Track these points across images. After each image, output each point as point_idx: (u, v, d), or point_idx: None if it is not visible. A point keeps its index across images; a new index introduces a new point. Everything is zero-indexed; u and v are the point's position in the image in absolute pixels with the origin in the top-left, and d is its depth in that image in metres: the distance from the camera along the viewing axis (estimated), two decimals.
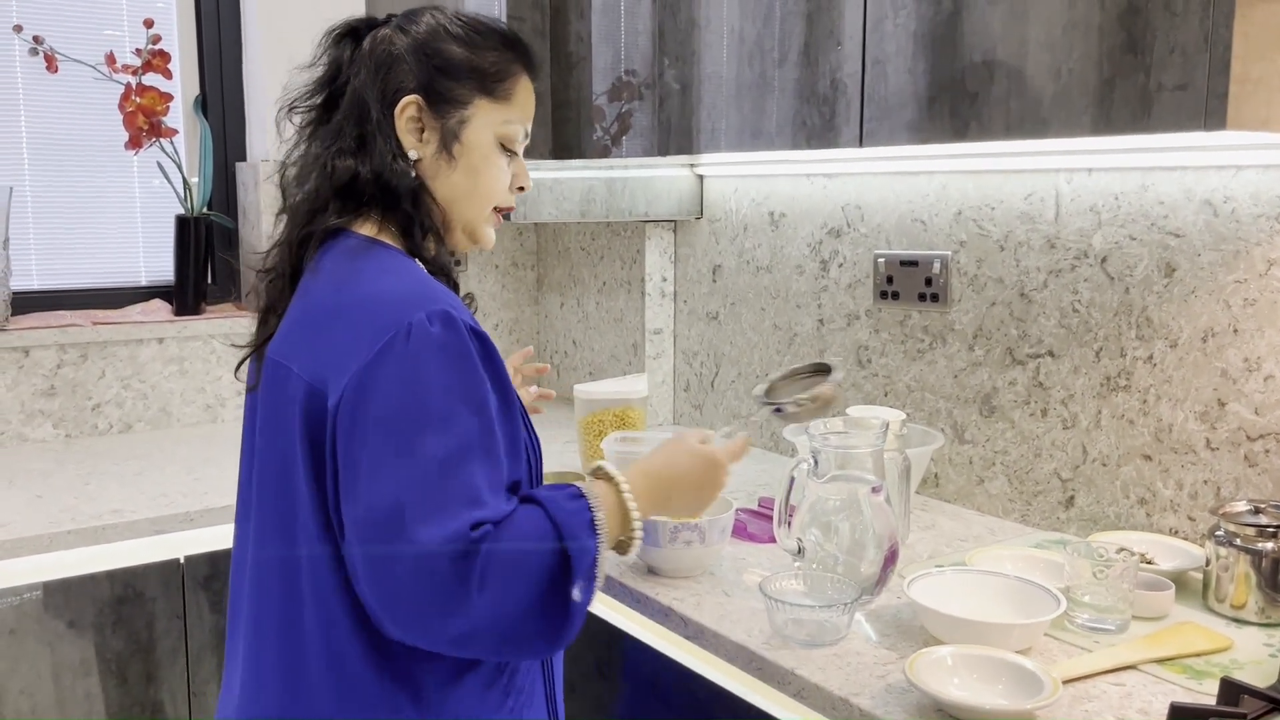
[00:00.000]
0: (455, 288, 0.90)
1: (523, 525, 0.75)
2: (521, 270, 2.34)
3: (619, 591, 1.20)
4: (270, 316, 0.88)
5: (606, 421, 1.54)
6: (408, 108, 0.86)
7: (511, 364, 1.23)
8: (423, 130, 0.86)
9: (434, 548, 0.69)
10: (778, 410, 1.00)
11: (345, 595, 0.75)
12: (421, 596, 0.69)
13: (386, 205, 0.86)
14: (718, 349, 1.89)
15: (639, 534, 0.84)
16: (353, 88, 0.86)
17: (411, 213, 0.85)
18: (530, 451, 0.85)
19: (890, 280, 1.55)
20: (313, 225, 0.85)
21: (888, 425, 1.15)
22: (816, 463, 1.10)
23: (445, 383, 0.74)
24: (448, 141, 0.87)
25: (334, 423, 0.74)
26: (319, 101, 0.88)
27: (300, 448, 0.77)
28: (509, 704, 0.79)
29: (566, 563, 0.75)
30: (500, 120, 0.88)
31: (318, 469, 0.76)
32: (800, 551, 1.11)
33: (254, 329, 0.90)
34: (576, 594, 0.74)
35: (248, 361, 0.90)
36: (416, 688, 0.75)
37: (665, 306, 1.96)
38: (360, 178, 0.85)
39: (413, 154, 0.86)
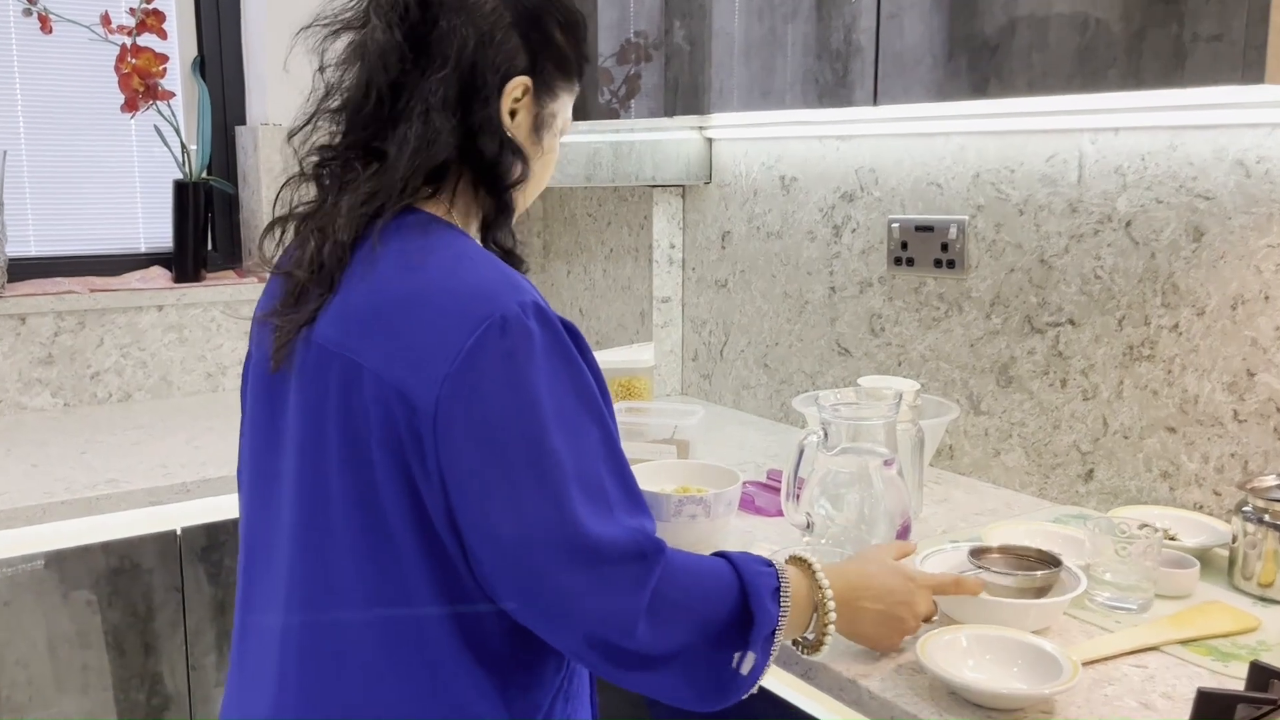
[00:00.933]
0: None
1: (702, 560, 0.72)
2: (527, 237, 2.33)
3: None
4: (312, 292, 0.78)
5: (613, 392, 1.59)
6: (516, 89, 0.80)
7: None
8: (515, 113, 0.80)
9: (616, 546, 0.66)
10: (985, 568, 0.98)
11: (442, 602, 0.71)
12: (596, 606, 0.66)
13: (483, 188, 0.80)
14: (727, 317, 1.87)
15: (831, 630, 0.80)
16: (457, 44, 0.77)
17: (509, 201, 0.81)
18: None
19: (905, 246, 1.52)
20: (401, 195, 0.77)
21: (901, 396, 1.12)
22: (826, 435, 1.08)
23: (555, 388, 0.69)
24: (540, 130, 0.82)
25: (433, 434, 0.69)
26: (398, 38, 0.77)
27: (380, 454, 0.71)
28: (567, 707, 0.77)
29: (746, 620, 0.72)
30: (570, 110, 0.84)
31: (404, 478, 0.71)
32: (809, 526, 1.09)
33: (279, 302, 0.80)
34: (748, 663, 0.71)
35: (283, 346, 0.79)
36: (503, 687, 0.72)
37: (673, 274, 1.94)
38: (466, 151, 0.78)
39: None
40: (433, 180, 0.79)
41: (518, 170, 0.80)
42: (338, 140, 0.80)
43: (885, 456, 1.08)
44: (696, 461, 1.24)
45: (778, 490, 1.35)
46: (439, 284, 0.73)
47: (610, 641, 0.67)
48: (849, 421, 1.07)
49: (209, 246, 2.10)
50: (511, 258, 0.84)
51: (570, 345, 0.73)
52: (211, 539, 1.51)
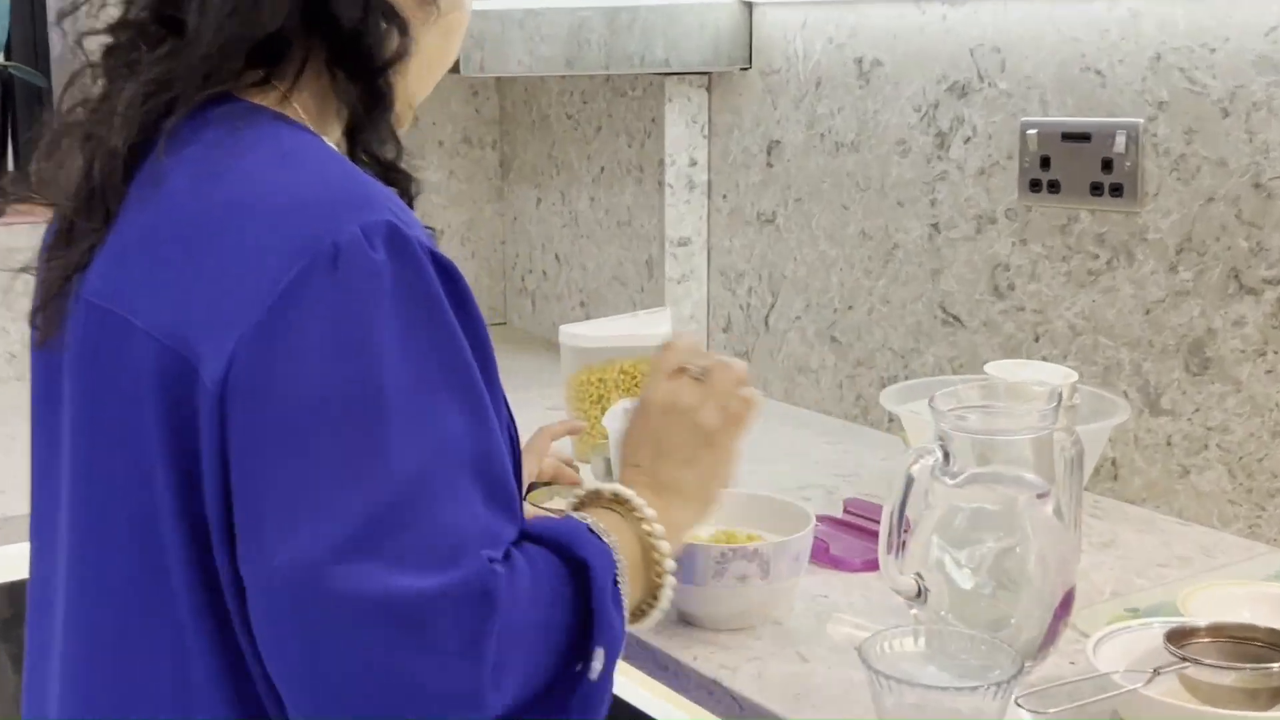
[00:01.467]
0: (410, 203, 0.86)
1: (543, 572, 0.78)
2: (478, 150, 2.37)
3: (634, 651, 1.15)
4: (81, 228, 0.80)
5: (610, 382, 1.51)
6: None
7: (537, 446, 1.32)
8: None
9: (421, 600, 0.69)
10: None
11: (223, 683, 0.75)
12: (416, 684, 0.68)
13: (342, 71, 0.81)
14: (775, 268, 1.89)
15: (667, 593, 0.86)
16: None
17: (382, 88, 0.81)
18: (514, 447, 0.84)
19: (1046, 164, 1.52)
20: (205, 81, 0.77)
21: (1060, 396, 1.05)
22: (946, 455, 1.04)
23: (408, 351, 0.71)
24: None
25: (220, 413, 0.71)
26: None
27: (160, 456, 0.73)
28: None
29: (587, 627, 0.78)
30: None
31: (185, 477, 0.73)
32: (920, 594, 1.05)
33: (46, 246, 0.85)
34: (596, 665, 0.77)
35: (49, 305, 0.83)
36: None
37: (695, 204, 1.96)
38: (313, 15, 0.79)
39: None
40: (264, 60, 0.79)
41: (393, 42, 0.80)
42: (129, 12, 0.81)
43: (1038, 488, 1.03)
44: (742, 491, 1.21)
45: (862, 530, 1.33)
46: (246, 200, 0.74)
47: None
48: (980, 436, 1.03)
49: (8, 162, 2.07)
50: (393, 175, 0.84)
51: (439, 290, 0.73)
52: (16, 606, 1.43)
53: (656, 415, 0.93)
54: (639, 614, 0.88)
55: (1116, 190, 1.46)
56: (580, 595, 0.78)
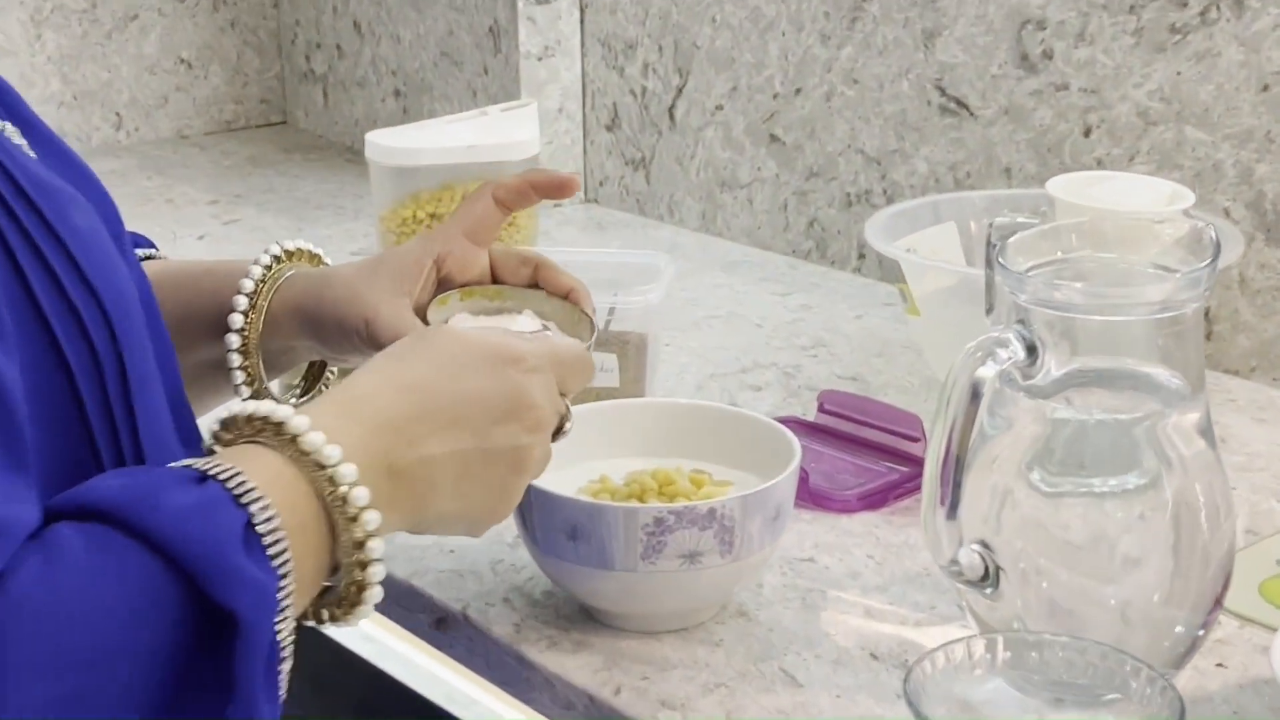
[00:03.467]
0: None
1: (82, 567, 0.69)
2: None
3: (510, 675, 1.01)
4: None
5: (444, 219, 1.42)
6: None
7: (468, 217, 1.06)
8: None
9: None
10: None
11: None
12: None
13: None
14: (683, 33, 1.87)
15: (376, 569, 0.77)
16: None
17: None
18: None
19: None
20: None
21: (1213, 236, 0.93)
22: (1031, 346, 0.91)
23: None
24: None
25: None
26: None
27: None
28: None
29: (211, 636, 0.70)
30: None
31: None
32: (989, 576, 0.93)
33: None
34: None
35: None
36: None
37: None
38: None
39: None
40: None
41: None
42: None
43: (1181, 395, 0.91)
44: (668, 401, 1.16)
45: (854, 443, 1.24)
46: None
47: None
48: (1099, 318, 0.91)
49: None
50: None
51: None
52: None
53: (479, 372, 0.84)
54: (344, 607, 0.78)
55: None
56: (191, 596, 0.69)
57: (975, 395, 0.90)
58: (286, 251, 1.03)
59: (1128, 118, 1.46)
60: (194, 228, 1.83)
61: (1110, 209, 1.16)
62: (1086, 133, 1.48)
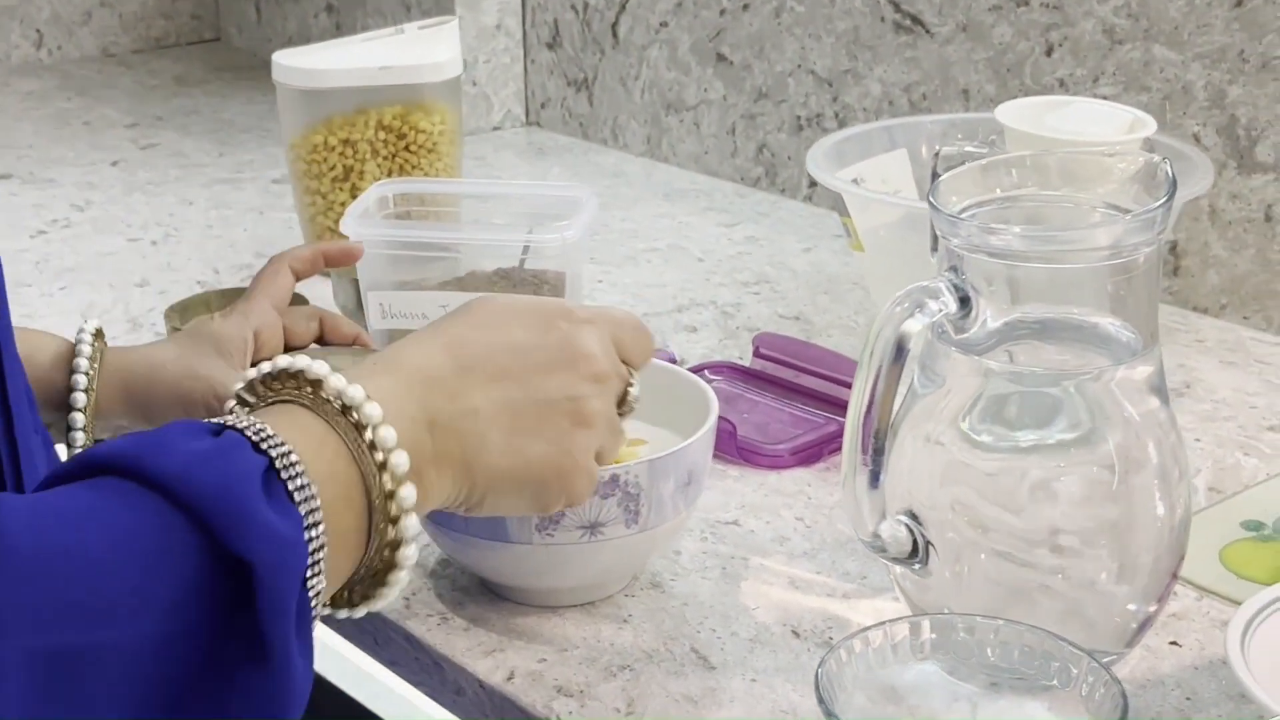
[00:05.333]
0: None
1: (68, 504, 0.67)
2: None
3: (401, 654, 0.96)
4: None
5: (363, 146, 1.45)
6: None
7: (263, 284, 1.16)
8: None
9: None
10: None
11: None
12: None
13: None
14: None
15: (412, 547, 0.74)
16: None
17: None
18: None
19: None
20: None
21: (1168, 171, 0.87)
22: (964, 297, 0.87)
23: None
24: None
25: None
26: None
27: None
28: None
29: (242, 594, 0.66)
30: None
31: None
32: (919, 552, 0.89)
33: None
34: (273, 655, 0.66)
35: None
36: None
37: None
38: None
39: None
40: None
41: None
42: None
43: (1131, 348, 0.87)
44: None
45: (790, 389, 1.20)
46: None
47: None
48: (1041, 265, 0.87)
49: None
50: None
51: None
52: None
53: (525, 325, 0.84)
54: (356, 597, 0.76)
55: None
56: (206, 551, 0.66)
57: (901, 351, 0.85)
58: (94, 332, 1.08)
59: (1092, 35, 1.42)
60: (110, 153, 1.76)
61: (1060, 139, 1.12)
62: (1049, 52, 1.46)
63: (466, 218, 1.31)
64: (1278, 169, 1.35)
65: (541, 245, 1.16)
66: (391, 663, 0.97)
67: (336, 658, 1.22)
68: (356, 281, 1.19)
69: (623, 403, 0.86)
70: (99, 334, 1.04)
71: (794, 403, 1.17)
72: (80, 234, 1.50)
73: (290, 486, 0.67)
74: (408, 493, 0.72)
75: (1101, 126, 1.17)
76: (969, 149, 1.02)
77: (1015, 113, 1.19)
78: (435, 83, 1.43)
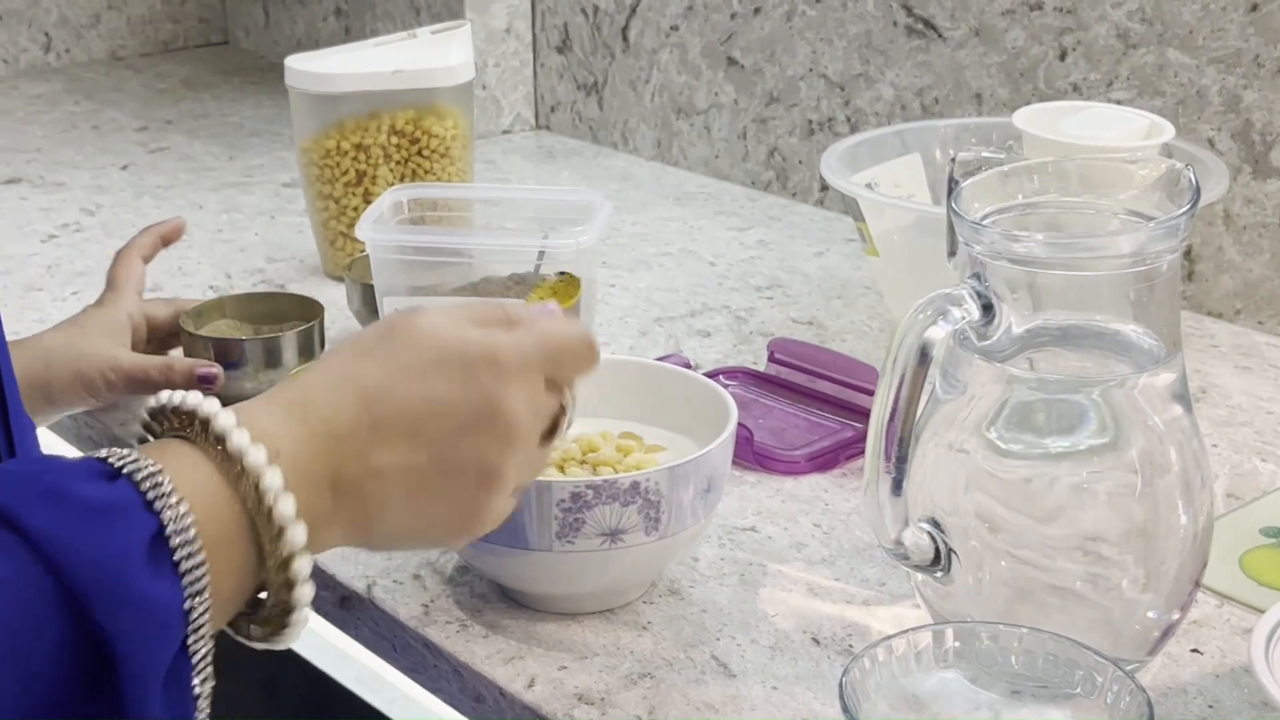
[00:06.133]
0: None
1: None
2: None
3: (420, 661, 0.96)
4: None
5: (375, 150, 1.45)
6: None
7: (124, 265, 1.23)
8: None
9: None
10: None
11: None
12: None
13: None
14: None
15: (303, 591, 0.73)
16: None
17: None
18: None
19: None
20: None
21: (1191, 178, 0.88)
22: (987, 305, 0.87)
23: None
24: None
25: None
26: None
27: None
28: None
29: (96, 660, 0.66)
30: None
31: None
32: (941, 560, 0.89)
33: None
34: None
35: None
36: None
37: None
38: None
39: None
40: None
41: None
42: None
43: (1154, 356, 0.88)
44: (612, 357, 1.09)
45: (804, 394, 1.20)
46: None
47: None
48: (1060, 272, 0.87)
49: None
50: None
51: None
52: None
53: (447, 375, 0.80)
54: (273, 625, 0.74)
55: None
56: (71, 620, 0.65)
57: (924, 358, 0.86)
58: None
59: (1106, 39, 1.41)
60: (119, 156, 1.75)
61: (1081, 144, 1.11)
62: (1062, 56, 1.45)
63: (479, 223, 1.31)
64: None
65: (556, 250, 1.16)
66: (410, 669, 0.96)
67: (353, 664, 1.23)
68: (371, 287, 1.19)
69: (553, 431, 0.85)
70: None
71: (809, 408, 1.17)
72: (91, 238, 1.50)
73: (177, 556, 0.65)
74: (297, 534, 0.71)
75: (1118, 131, 1.17)
76: (985, 154, 1.02)
77: (1032, 117, 1.19)
78: (448, 87, 1.43)
